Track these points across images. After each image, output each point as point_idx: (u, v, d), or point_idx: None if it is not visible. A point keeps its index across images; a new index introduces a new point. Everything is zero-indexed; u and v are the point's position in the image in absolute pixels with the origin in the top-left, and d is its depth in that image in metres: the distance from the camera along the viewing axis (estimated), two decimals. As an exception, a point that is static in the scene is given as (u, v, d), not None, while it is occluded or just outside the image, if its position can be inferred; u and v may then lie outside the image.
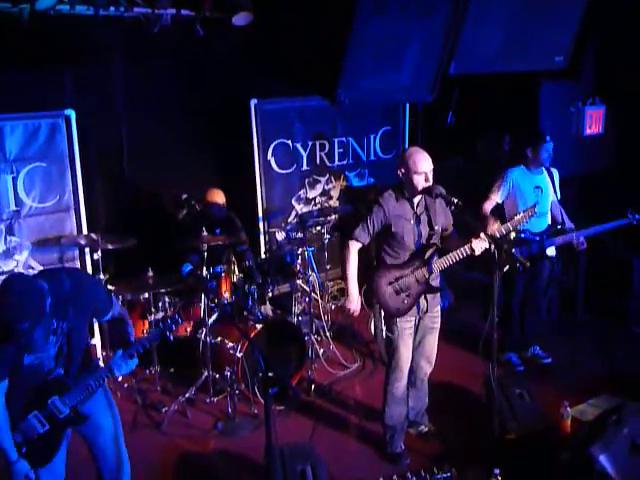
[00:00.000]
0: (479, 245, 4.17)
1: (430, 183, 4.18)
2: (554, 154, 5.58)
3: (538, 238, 5.49)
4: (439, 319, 4.57)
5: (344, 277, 4.49)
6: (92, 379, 3.28)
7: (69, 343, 3.22)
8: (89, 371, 3.36)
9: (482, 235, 4.14)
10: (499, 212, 5.57)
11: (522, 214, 4.33)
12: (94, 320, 3.65)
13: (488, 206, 5.55)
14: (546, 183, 5.58)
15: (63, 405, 3.25)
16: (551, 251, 5.63)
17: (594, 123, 7.25)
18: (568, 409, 4.61)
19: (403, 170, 4.22)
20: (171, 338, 3.44)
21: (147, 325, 5.48)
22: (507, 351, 5.78)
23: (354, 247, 4.37)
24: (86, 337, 3.42)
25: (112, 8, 5.09)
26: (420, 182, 4.18)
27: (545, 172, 5.59)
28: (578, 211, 5.72)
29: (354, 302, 4.46)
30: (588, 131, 7.18)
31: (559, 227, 5.59)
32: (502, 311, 5.62)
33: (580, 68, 6.82)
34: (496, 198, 5.57)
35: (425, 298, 4.40)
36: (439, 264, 4.33)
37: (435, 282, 4.43)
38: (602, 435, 3.94)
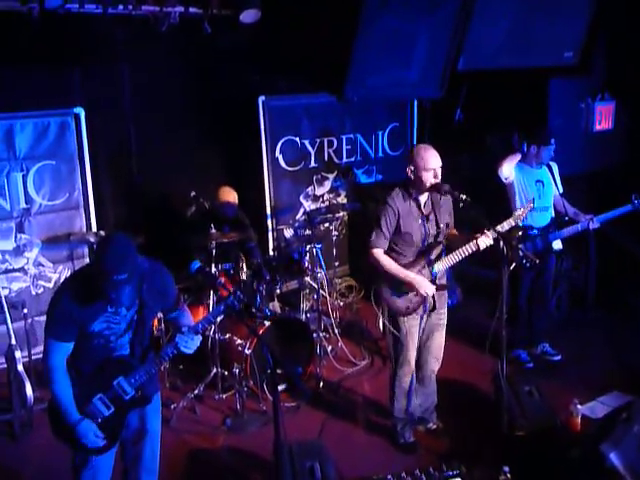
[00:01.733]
0: (485, 242, 4.17)
1: (439, 180, 4.18)
2: (563, 150, 5.56)
3: (542, 233, 5.47)
4: (445, 315, 4.58)
5: (396, 278, 4.28)
6: (157, 357, 3.29)
7: (139, 320, 3.26)
8: (152, 355, 3.37)
9: (488, 232, 4.14)
10: (504, 208, 5.54)
11: (521, 209, 4.36)
12: (161, 314, 3.67)
13: None
14: (547, 177, 5.57)
15: (129, 385, 3.24)
16: (557, 245, 5.60)
17: (604, 119, 7.21)
18: (578, 406, 4.59)
19: (412, 167, 4.20)
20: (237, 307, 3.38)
21: (156, 322, 5.49)
22: (516, 348, 5.76)
23: (379, 253, 4.29)
24: (153, 323, 3.41)
25: (121, 6, 5.11)
26: (429, 178, 4.17)
27: (545, 166, 5.58)
28: (588, 208, 5.67)
29: (423, 283, 4.26)
30: (598, 127, 7.14)
31: (563, 220, 5.57)
32: (510, 308, 5.60)
33: (590, 64, 6.78)
34: (505, 172, 5.49)
35: (432, 296, 4.39)
36: (445, 262, 4.33)
37: (442, 280, 4.42)
38: (612, 433, 3.93)
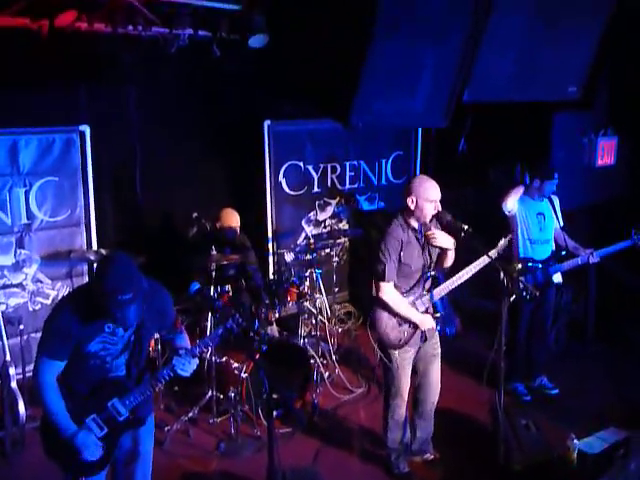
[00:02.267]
0: (476, 268, 4.24)
1: (438, 210, 4.20)
2: (565, 184, 5.59)
3: (542, 266, 5.47)
4: (439, 345, 4.58)
5: (403, 316, 4.28)
6: (153, 379, 3.27)
7: (136, 341, 3.24)
8: (148, 377, 3.34)
9: (486, 258, 4.16)
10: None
11: (503, 240, 4.42)
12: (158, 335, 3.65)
13: None
14: (548, 210, 5.59)
15: (123, 407, 3.22)
16: (557, 278, 5.60)
17: (606, 154, 7.26)
18: (575, 441, 4.54)
19: (413, 197, 4.21)
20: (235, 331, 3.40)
21: (153, 343, 5.47)
22: (513, 381, 5.73)
23: (390, 287, 4.25)
24: (149, 344, 3.40)
25: (130, 27, 5.15)
26: (430, 210, 4.19)
27: (546, 199, 5.60)
28: (588, 241, 5.68)
29: (426, 320, 4.31)
30: (600, 162, 7.19)
31: (563, 253, 5.57)
32: (508, 340, 5.57)
33: (593, 99, 6.83)
34: (509, 206, 5.49)
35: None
36: (440, 290, 4.34)
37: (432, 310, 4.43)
38: (609, 469, 3.90)
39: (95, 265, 3.05)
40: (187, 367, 3.25)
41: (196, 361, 3.29)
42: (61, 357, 3.12)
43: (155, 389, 3.35)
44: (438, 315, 4.40)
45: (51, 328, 3.12)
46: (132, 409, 3.25)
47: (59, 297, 5.97)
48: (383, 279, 4.21)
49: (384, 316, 4.32)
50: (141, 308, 3.10)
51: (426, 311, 4.35)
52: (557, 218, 5.63)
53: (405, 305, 4.28)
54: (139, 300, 3.02)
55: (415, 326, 4.31)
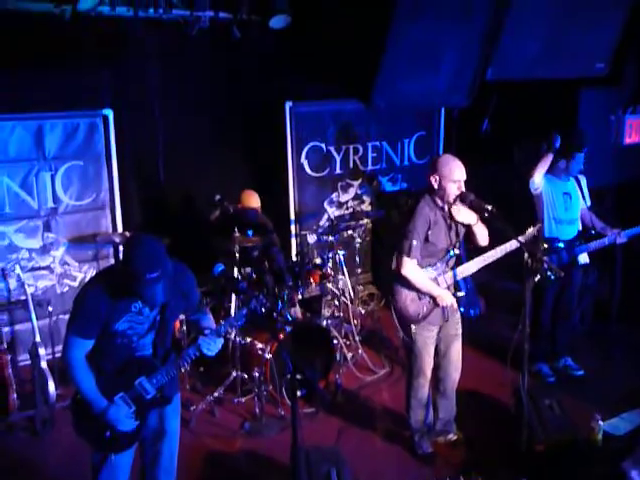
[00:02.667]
0: (505, 249, 4.20)
1: (462, 191, 4.17)
2: (592, 162, 5.51)
3: (568, 246, 5.41)
4: (460, 324, 4.57)
5: (423, 291, 4.27)
6: (179, 358, 3.31)
7: (162, 321, 3.29)
8: (174, 357, 3.39)
9: (514, 242, 4.12)
10: (530, 219, 5.50)
11: (532, 229, 4.34)
12: (183, 316, 3.72)
13: None
14: (575, 190, 5.51)
15: (150, 385, 3.27)
16: (583, 259, 5.53)
17: (634, 132, 7.13)
18: (599, 422, 4.53)
19: (437, 177, 4.18)
20: (259, 312, 3.41)
21: (178, 324, 5.53)
22: (538, 362, 5.70)
23: (413, 264, 4.21)
24: (175, 324, 3.42)
25: (151, 10, 5.16)
26: (453, 190, 4.16)
27: (573, 179, 5.52)
28: (616, 221, 5.61)
29: (445, 295, 4.28)
30: (628, 140, 7.06)
31: (591, 233, 5.50)
32: (532, 321, 5.54)
33: (621, 75, 6.71)
34: (536, 180, 5.40)
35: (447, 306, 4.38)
36: (463, 269, 4.32)
37: (455, 290, 4.41)
38: (635, 450, 3.87)
39: (122, 245, 3.08)
40: (212, 347, 3.29)
41: (221, 341, 3.33)
42: (90, 336, 3.17)
43: (181, 368, 3.40)
44: (461, 294, 4.39)
45: (80, 307, 3.17)
46: (159, 388, 3.30)
47: (86, 279, 6.06)
48: (408, 255, 4.18)
49: (404, 289, 4.31)
50: (167, 287, 3.14)
51: (448, 288, 4.34)
52: (584, 198, 5.56)
53: (425, 280, 4.26)
54: (166, 279, 3.06)
55: (435, 301, 4.30)
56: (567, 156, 5.40)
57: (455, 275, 4.34)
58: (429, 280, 4.28)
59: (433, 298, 4.28)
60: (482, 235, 4.32)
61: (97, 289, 3.15)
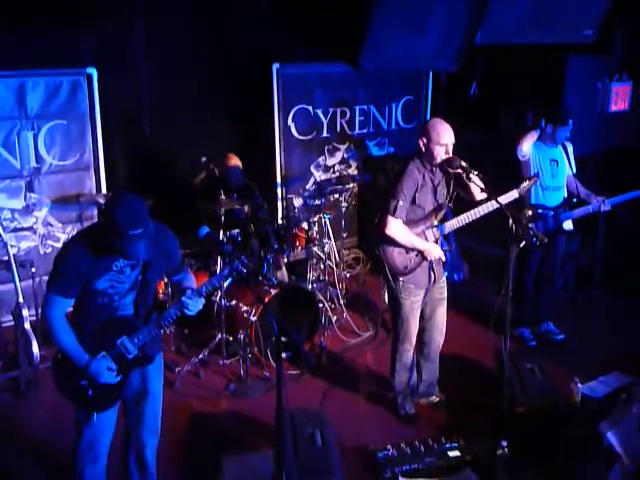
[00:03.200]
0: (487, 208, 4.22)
1: (450, 155, 4.16)
2: (577, 130, 5.52)
3: (554, 213, 5.45)
4: (445, 288, 4.61)
5: (409, 246, 4.28)
6: (161, 318, 3.31)
7: (143, 281, 3.29)
8: (156, 317, 3.39)
9: (494, 202, 4.15)
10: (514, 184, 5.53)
11: (526, 182, 4.39)
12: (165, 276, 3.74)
13: None
14: (561, 156, 5.53)
15: (132, 345, 3.27)
16: (568, 225, 5.58)
17: (620, 99, 7.12)
18: (578, 385, 4.61)
19: (425, 140, 4.18)
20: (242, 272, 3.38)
21: (163, 286, 5.53)
22: (520, 326, 5.78)
23: (399, 223, 4.22)
24: (157, 285, 3.41)
25: (136, -35, 5.05)
26: (441, 153, 4.16)
27: (560, 145, 5.54)
28: (600, 189, 5.64)
29: (432, 249, 4.31)
30: (613, 107, 7.05)
31: (575, 200, 5.54)
32: (516, 286, 5.60)
33: (609, 43, 6.68)
34: (525, 150, 5.43)
35: (432, 268, 4.42)
36: (450, 225, 4.37)
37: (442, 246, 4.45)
38: (611, 412, 3.96)
39: (105, 203, 3.06)
40: (194, 306, 3.28)
41: (202, 301, 3.33)
42: (70, 294, 3.17)
43: (163, 328, 3.41)
44: (447, 249, 4.43)
45: (60, 265, 3.15)
46: (141, 347, 3.31)
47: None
48: (393, 214, 4.19)
49: (390, 244, 4.32)
50: (149, 247, 3.15)
51: (434, 242, 4.37)
52: (570, 165, 5.58)
53: (410, 236, 4.27)
54: (148, 238, 3.07)
55: (422, 256, 4.33)
56: (554, 126, 5.40)
57: (442, 229, 4.36)
58: (414, 236, 4.30)
59: (421, 252, 4.31)
60: (477, 189, 4.30)
61: (78, 247, 3.14)
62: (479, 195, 4.34)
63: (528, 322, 5.85)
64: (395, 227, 4.22)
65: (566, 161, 5.56)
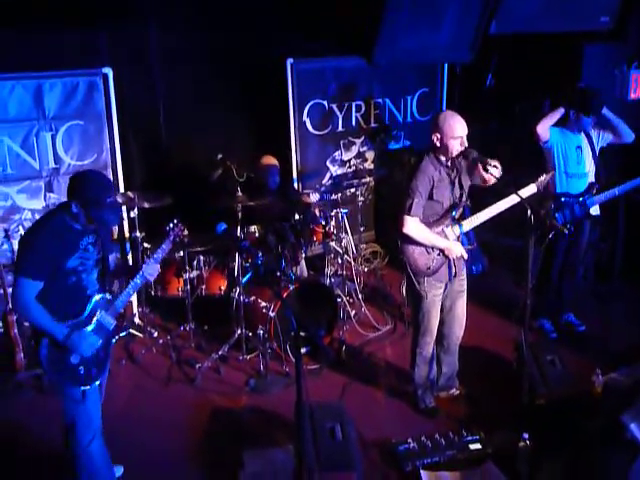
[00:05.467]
0: (510, 202, 4.18)
1: (465, 146, 4.13)
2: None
3: (580, 199, 5.40)
4: (465, 281, 4.59)
5: (429, 245, 4.27)
6: (130, 287, 3.59)
7: (103, 257, 3.55)
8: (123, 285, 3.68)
9: (515, 197, 4.12)
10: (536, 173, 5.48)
11: (544, 176, 4.38)
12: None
13: None
14: (585, 143, 5.47)
15: (110, 317, 3.51)
16: (595, 210, 5.51)
17: (639, 87, 7.03)
18: (600, 377, 4.58)
19: (438, 135, 4.15)
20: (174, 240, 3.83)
21: (182, 283, 5.57)
22: (540, 317, 5.74)
23: (416, 222, 4.20)
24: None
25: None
26: (455, 146, 4.12)
27: (582, 133, 5.47)
28: (621, 176, 5.57)
29: (454, 247, 4.28)
30: (632, 95, 6.96)
31: (598, 186, 5.48)
32: (538, 278, 5.55)
33: (626, 29, 6.59)
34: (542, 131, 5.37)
35: (454, 262, 4.39)
36: (469, 222, 4.32)
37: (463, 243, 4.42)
38: (633, 404, 3.92)
39: (70, 182, 3.32)
40: (153, 271, 3.63)
41: (158, 267, 3.68)
42: (41, 277, 3.26)
43: (131, 296, 3.69)
44: (470, 247, 4.40)
45: (29, 248, 3.27)
46: (116, 316, 3.55)
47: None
48: (408, 213, 4.16)
49: (411, 245, 4.30)
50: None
51: (456, 240, 4.34)
52: (594, 151, 5.50)
53: (430, 234, 4.24)
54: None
55: (444, 254, 4.31)
56: (577, 114, 5.32)
57: (461, 227, 4.33)
58: (434, 234, 4.27)
59: (442, 251, 4.29)
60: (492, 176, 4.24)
61: (44, 228, 3.31)
62: (491, 180, 4.28)
63: (549, 313, 5.80)
64: (412, 225, 4.20)
65: (589, 148, 5.47)
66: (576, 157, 5.41)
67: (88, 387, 3.46)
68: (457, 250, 4.30)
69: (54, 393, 4.82)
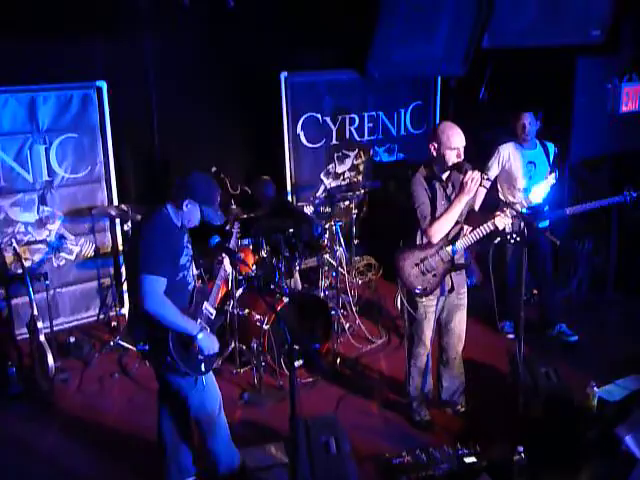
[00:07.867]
0: (502, 221, 4.17)
1: (462, 159, 4.14)
2: (587, 131, 5.49)
3: (529, 212, 5.38)
4: (466, 295, 4.57)
5: (425, 266, 4.30)
6: (218, 278, 3.92)
7: (193, 254, 3.74)
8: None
9: (507, 212, 4.13)
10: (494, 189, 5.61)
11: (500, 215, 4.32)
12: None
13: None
14: (540, 158, 5.51)
15: (211, 307, 3.75)
16: (543, 223, 5.56)
17: (630, 100, 7.07)
18: (595, 388, 4.57)
19: (435, 145, 4.17)
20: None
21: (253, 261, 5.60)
22: (504, 320, 5.77)
23: (433, 229, 4.19)
24: None
25: (144, -22, 5.09)
26: (452, 157, 4.13)
27: (540, 147, 5.53)
28: (614, 190, 5.59)
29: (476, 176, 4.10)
30: (624, 108, 7.01)
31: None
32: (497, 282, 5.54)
33: (618, 43, 6.64)
34: (491, 174, 5.60)
35: (450, 277, 4.39)
36: (465, 240, 4.31)
37: (460, 260, 4.40)
38: (628, 416, 3.92)
39: (184, 179, 3.56)
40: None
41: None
42: (164, 273, 3.36)
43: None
44: (466, 263, 4.42)
45: (150, 246, 3.35)
46: (214, 307, 3.79)
47: (82, 253, 6.07)
48: (427, 224, 4.18)
49: (406, 265, 4.31)
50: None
51: (451, 261, 4.33)
52: (550, 166, 5.55)
53: (449, 218, 4.20)
54: None
55: (439, 275, 4.30)
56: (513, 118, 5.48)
57: (454, 248, 4.32)
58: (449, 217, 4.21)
59: (437, 272, 4.28)
60: (478, 201, 4.31)
61: (159, 228, 3.42)
62: (477, 206, 4.31)
63: (509, 316, 5.77)
64: (435, 231, 4.18)
65: (545, 162, 5.53)
66: (528, 172, 5.52)
67: (204, 376, 3.69)
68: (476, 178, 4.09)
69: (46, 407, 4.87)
